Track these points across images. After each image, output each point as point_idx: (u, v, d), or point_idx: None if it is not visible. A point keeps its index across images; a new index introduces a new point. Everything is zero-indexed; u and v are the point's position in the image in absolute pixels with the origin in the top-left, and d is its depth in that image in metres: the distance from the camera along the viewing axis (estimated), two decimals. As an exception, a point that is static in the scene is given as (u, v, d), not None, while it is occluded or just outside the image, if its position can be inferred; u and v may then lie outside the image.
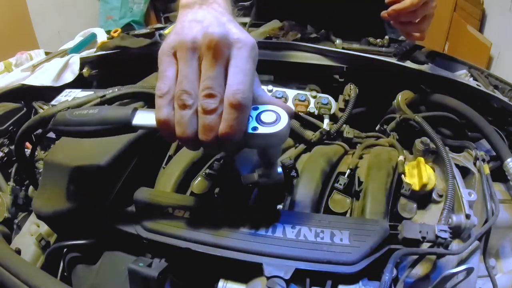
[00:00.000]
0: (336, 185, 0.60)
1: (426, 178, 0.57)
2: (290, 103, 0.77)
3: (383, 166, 0.61)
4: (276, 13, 1.07)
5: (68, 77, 1.00)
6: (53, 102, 0.89)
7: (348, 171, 0.61)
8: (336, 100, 0.80)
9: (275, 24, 1.03)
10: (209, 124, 0.41)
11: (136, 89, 0.79)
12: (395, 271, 0.44)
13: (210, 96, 0.41)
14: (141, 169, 0.64)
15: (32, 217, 0.73)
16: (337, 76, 0.93)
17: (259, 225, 0.49)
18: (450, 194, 0.54)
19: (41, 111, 0.88)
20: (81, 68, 1.02)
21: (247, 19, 1.26)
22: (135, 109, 0.47)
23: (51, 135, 0.78)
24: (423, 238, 0.47)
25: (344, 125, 0.74)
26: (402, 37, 1.01)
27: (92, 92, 0.77)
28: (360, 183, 0.59)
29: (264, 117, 0.44)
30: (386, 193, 0.56)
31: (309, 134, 0.72)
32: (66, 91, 0.91)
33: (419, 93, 0.80)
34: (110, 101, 0.75)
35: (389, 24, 0.81)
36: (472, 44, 2.43)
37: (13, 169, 0.83)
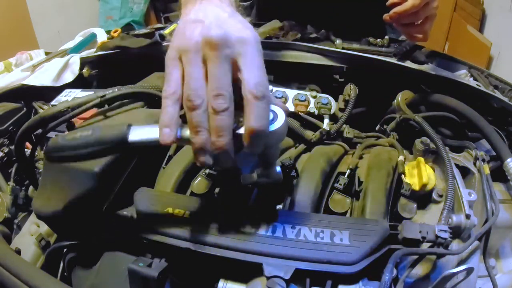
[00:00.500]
0: (336, 185, 0.60)
1: (426, 178, 0.57)
2: (290, 103, 0.77)
3: (383, 166, 0.61)
4: (276, 13, 1.07)
5: (68, 77, 1.00)
6: (53, 102, 0.89)
7: (348, 171, 0.61)
8: (336, 100, 0.80)
9: (275, 24, 1.03)
10: (222, 124, 0.40)
11: (136, 89, 0.79)
12: (395, 271, 0.44)
13: (219, 95, 0.40)
14: (141, 169, 0.64)
15: (32, 217, 0.73)
16: (337, 76, 0.93)
17: (259, 225, 0.49)
18: (450, 194, 0.54)
19: (41, 111, 0.88)
20: (81, 68, 1.02)
21: (247, 19, 1.26)
22: (129, 125, 0.47)
23: (51, 135, 0.78)
24: (423, 238, 0.47)
25: (344, 125, 0.74)
26: (402, 37, 1.01)
27: (92, 92, 0.77)
28: (360, 183, 0.59)
29: None
30: (386, 193, 0.56)
31: (309, 134, 0.72)
32: (66, 91, 0.91)
33: (419, 93, 0.80)
34: (110, 101, 0.75)
35: (390, 25, 0.80)
36: (472, 44, 2.43)
37: (13, 169, 0.83)
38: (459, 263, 0.51)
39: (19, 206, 0.78)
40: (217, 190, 0.60)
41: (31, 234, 0.70)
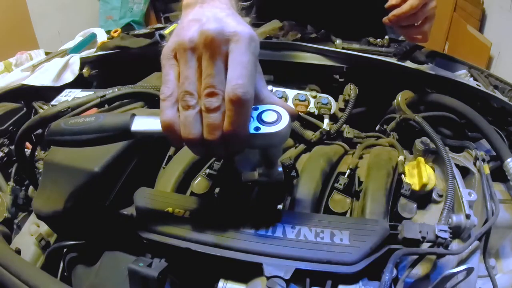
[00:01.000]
0: (336, 185, 0.60)
1: (426, 178, 0.57)
2: (290, 103, 0.77)
3: (383, 166, 0.61)
4: (276, 13, 1.07)
5: (68, 77, 1.00)
6: (53, 102, 0.89)
7: (348, 171, 0.61)
8: (336, 100, 0.80)
9: (275, 24, 1.03)
10: (213, 122, 0.40)
11: (136, 89, 0.80)
12: (395, 271, 0.44)
13: (211, 94, 0.40)
14: (141, 169, 0.64)
15: (32, 217, 0.73)
16: (337, 76, 0.93)
17: (259, 225, 0.49)
18: (450, 194, 0.54)
19: (41, 111, 0.88)
20: (81, 68, 1.02)
21: (247, 19, 1.26)
22: (133, 115, 0.47)
23: (51, 135, 0.78)
24: (423, 238, 0.47)
25: (344, 125, 0.74)
26: (402, 37, 1.01)
27: (92, 92, 0.77)
28: (360, 183, 0.59)
29: (265, 117, 0.43)
30: (386, 193, 0.56)
31: (309, 134, 0.72)
32: (66, 91, 0.91)
33: (419, 93, 0.80)
34: (110, 101, 0.75)
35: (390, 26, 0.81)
36: (472, 44, 2.43)
37: (13, 169, 0.83)
38: (459, 263, 0.51)
39: (19, 206, 0.78)
40: (217, 190, 0.60)
41: (31, 234, 0.70)
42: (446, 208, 0.53)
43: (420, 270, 0.49)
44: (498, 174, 0.65)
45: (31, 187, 0.78)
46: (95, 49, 1.08)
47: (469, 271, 0.46)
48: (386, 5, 0.75)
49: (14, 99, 0.94)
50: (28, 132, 0.68)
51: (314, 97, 0.79)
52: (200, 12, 0.45)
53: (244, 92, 0.39)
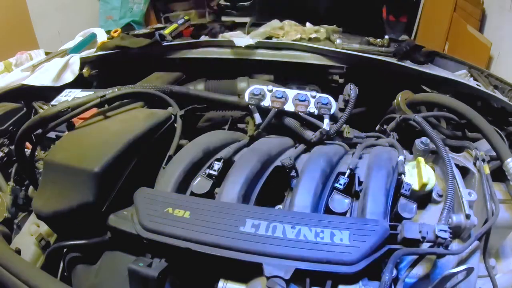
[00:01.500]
0: (336, 185, 0.60)
1: (426, 178, 0.57)
2: (290, 103, 0.77)
3: (383, 166, 0.61)
4: (276, 13, 1.07)
5: (68, 77, 1.00)
6: (53, 102, 0.89)
7: (348, 171, 0.61)
8: (336, 100, 0.80)
9: (275, 24, 1.03)
10: None
11: (136, 89, 0.80)
12: (395, 271, 0.44)
13: None
14: (141, 169, 0.64)
15: (32, 217, 0.73)
16: (337, 76, 0.93)
17: (259, 225, 0.49)
18: (450, 194, 0.54)
19: (41, 111, 0.88)
20: (81, 68, 1.02)
21: (247, 19, 1.26)
22: None
23: (51, 135, 0.78)
24: (423, 238, 0.47)
25: (344, 125, 0.74)
26: (402, 37, 1.02)
27: (92, 92, 0.77)
28: (360, 183, 0.59)
29: None
30: (386, 193, 0.56)
31: (309, 134, 0.72)
32: (66, 91, 0.91)
33: (419, 93, 0.80)
34: (110, 101, 0.75)
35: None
36: (472, 44, 2.43)
37: (13, 169, 0.83)
38: (459, 263, 0.51)
39: (19, 206, 0.78)
40: (217, 190, 0.60)
41: (31, 234, 0.70)
42: (446, 208, 0.53)
43: (420, 270, 0.49)
44: (498, 174, 0.65)
45: (31, 187, 0.78)
46: (95, 49, 1.08)
47: (469, 271, 0.46)
48: None
49: (14, 99, 0.94)
50: (28, 132, 0.68)
51: (314, 97, 0.79)
52: None
53: None
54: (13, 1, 2.74)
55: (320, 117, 0.76)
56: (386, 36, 0.96)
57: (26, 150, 0.72)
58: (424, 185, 0.57)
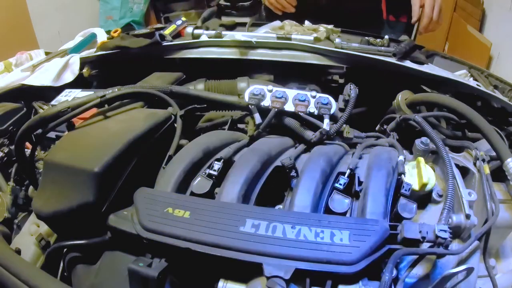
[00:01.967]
0: (336, 185, 0.60)
1: (426, 178, 0.57)
2: (290, 103, 0.77)
3: (383, 166, 0.61)
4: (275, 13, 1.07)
5: (68, 77, 1.00)
6: (53, 102, 0.89)
7: (348, 171, 0.61)
8: (336, 100, 0.80)
9: (275, 24, 1.03)
10: None
11: (136, 89, 0.80)
12: (395, 271, 0.44)
13: None
14: (141, 169, 0.64)
15: (32, 217, 0.73)
16: (337, 76, 0.93)
17: (259, 225, 0.49)
18: (450, 194, 0.54)
19: (41, 111, 0.88)
20: (81, 68, 1.02)
21: (247, 19, 1.26)
22: None
23: (51, 135, 0.78)
24: (423, 238, 0.47)
25: (344, 125, 0.74)
26: (402, 37, 1.02)
27: (92, 92, 0.77)
28: (360, 183, 0.59)
29: None
30: (386, 193, 0.56)
31: (309, 134, 0.72)
32: (66, 91, 0.91)
33: (419, 93, 0.80)
34: (110, 101, 0.75)
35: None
36: (472, 44, 2.43)
37: (13, 169, 0.83)
38: (459, 263, 0.51)
39: (19, 206, 0.78)
40: (217, 190, 0.60)
41: (31, 234, 0.70)
42: (446, 208, 0.53)
43: (420, 270, 0.49)
44: (498, 174, 0.65)
45: (31, 187, 0.78)
46: (95, 49, 1.08)
47: (469, 271, 0.46)
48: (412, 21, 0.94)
49: (14, 99, 0.94)
50: (28, 132, 0.68)
51: (314, 97, 0.79)
52: None
53: None
54: (13, 1, 2.74)
55: (320, 117, 0.76)
56: (386, 36, 0.96)
57: (26, 150, 0.72)
58: (424, 185, 0.57)
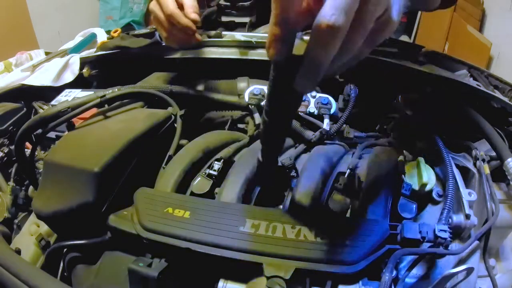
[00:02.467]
0: (336, 185, 0.60)
1: (426, 178, 0.57)
2: (290, 103, 0.77)
3: (383, 166, 0.61)
4: None
5: (68, 77, 1.00)
6: (53, 102, 0.89)
7: (348, 171, 0.61)
8: (336, 100, 0.80)
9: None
10: None
11: (136, 89, 0.80)
12: (395, 271, 0.44)
13: None
14: (141, 169, 0.64)
15: (32, 217, 0.73)
16: (337, 76, 0.93)
17: (259, 225, 0.49)
18: (450, 194, 0.54)
19: (41, 111, 0.88)
20: (81, 68, 1.02)
21: (247, 19, 1.26)
22: None
23: (51, 135, 0.78)
24: (423, 238, 0.47)
25: (344, 125, 0.74)
26: (402, 37, 1.02)
27: (92, 92, 0.77)
28: (360, 183, 0.59)
29: None
30: (386, 193, 0.56)
31: (309, 134, 0.72)
32: (66, 91, 0.91)
33: (419, 93, 0.80)
34: (110, 101, 0.75)
35: None
36: (472, 44, 2.43)
37: (13, 169, 0.83)
38: (459, 263, 0.51)
39: (19, 206, 0.78)
40: (217, 190, 0.60)
41: (31, 234, 0.70)
42: (446, 208, 0.53)
43: (420, 270, 0.49)
44: (498, 174, 0.65)
45: (31, 187, 0.78)
46: (95, 49, 1.08)
47: (469, 271, 0.46)
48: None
49: (14, 99, 0.94)
50: (28, 132, 0.68)
51: (314, 97, 0.79)
52: None
53: None
54: (13, 1, 2.74)
55: (320, 117, 0.76)
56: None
57: (26, 150, 0.72)
58: (424, 185, 0.57)
